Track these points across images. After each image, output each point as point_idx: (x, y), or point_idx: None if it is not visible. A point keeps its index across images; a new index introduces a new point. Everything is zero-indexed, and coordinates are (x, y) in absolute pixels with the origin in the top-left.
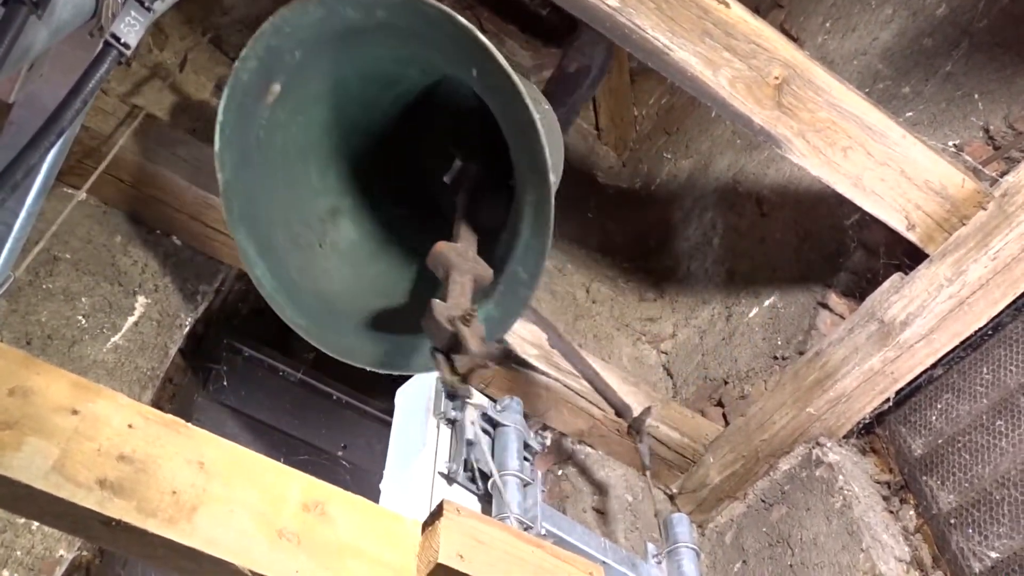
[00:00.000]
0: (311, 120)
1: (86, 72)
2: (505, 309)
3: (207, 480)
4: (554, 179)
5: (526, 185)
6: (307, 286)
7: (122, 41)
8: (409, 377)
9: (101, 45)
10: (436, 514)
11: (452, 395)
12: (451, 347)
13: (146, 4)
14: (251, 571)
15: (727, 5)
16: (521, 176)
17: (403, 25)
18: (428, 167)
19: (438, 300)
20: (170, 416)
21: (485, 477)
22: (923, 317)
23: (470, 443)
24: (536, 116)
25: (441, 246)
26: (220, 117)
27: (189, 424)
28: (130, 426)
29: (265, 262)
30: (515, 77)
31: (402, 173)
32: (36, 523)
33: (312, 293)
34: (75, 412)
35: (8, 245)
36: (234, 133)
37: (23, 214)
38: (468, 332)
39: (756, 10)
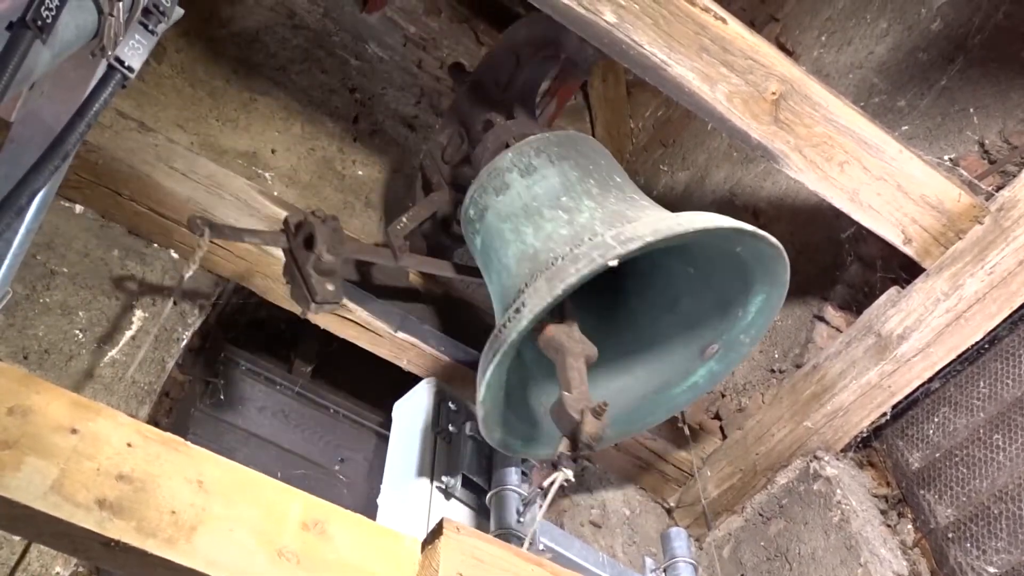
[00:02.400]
0: None
1: (90, 95)
2: (727, 363)
3: (207, 499)
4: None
5: (759, 288)
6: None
7: (126, 64)
8: (406, 391)
9: (105, 68)
10: (436, 532)
11: (555, 464)
12: (575, 432)
13: (150, 28)
14: None
15: (724, 21)
16: (757, 281)
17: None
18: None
19: (567, 394)
20: (169, 434)
21: (483, 492)
22: (920, 331)
23: (467, 458)
24: (787, 262)
25: (551, 329)
26: (482, 397)
27: (188, 442)
28: (129, 445)
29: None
30: (781, 248)
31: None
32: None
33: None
34: (74, 431)
35: (7, 261)
36: (494, 392)
37: (22, 231)
38: (592, 423)
39: (752, 23)
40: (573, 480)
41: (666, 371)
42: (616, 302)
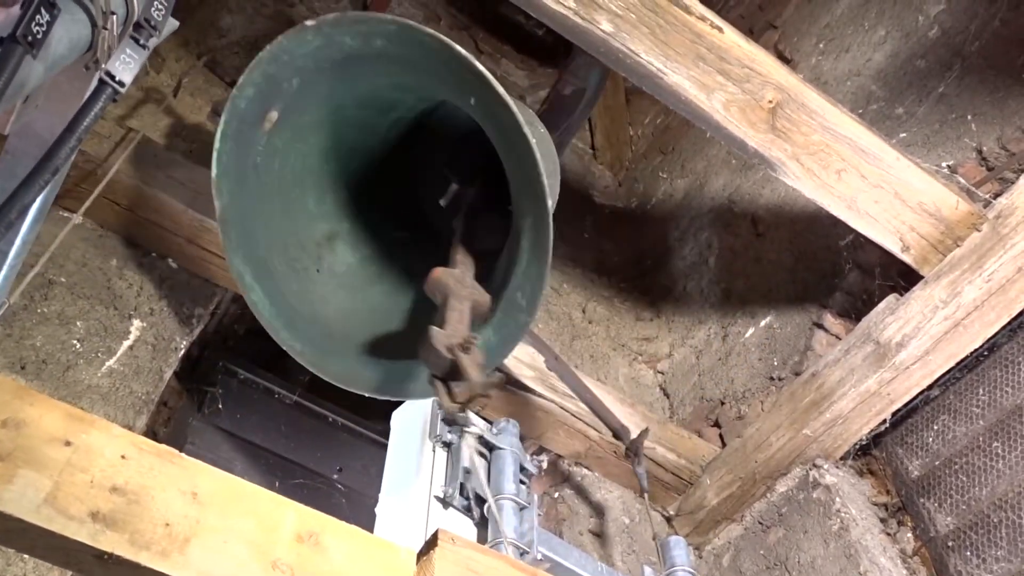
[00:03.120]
0: (308, 146)
1: (81, 110)
2: (504, 335)
3: (201, 511)
4: (551, 203)
5: (523, 210)
6: (304, 311)
7: (117, 79)
8: (403, 401)
9: (96, 82)
10: (431, 543)
11: (450, 422)
12: (450, 375)
13: (141, 42)
14: None
15: (720, 30)
16: (518, 202)
17: (401, 53)
18: (425, 191)
19: (436, 328)
20: (164, 446)
21: (481, 501)
22: (919, 338)
23: (466, 469)
24: (532, 141)
25: (438, 272)
26: (217, 144)
27: (183, 454)
28: (123, 457)
29: (262, 287)
30: (512, 104)
31: (400, 198)
32: None
33: (309, 318)
34: (68, 443)
35: (3, 272)
36: (231, 160)
37: (18, 242)
38: (467, 360)
39: (750, 30)
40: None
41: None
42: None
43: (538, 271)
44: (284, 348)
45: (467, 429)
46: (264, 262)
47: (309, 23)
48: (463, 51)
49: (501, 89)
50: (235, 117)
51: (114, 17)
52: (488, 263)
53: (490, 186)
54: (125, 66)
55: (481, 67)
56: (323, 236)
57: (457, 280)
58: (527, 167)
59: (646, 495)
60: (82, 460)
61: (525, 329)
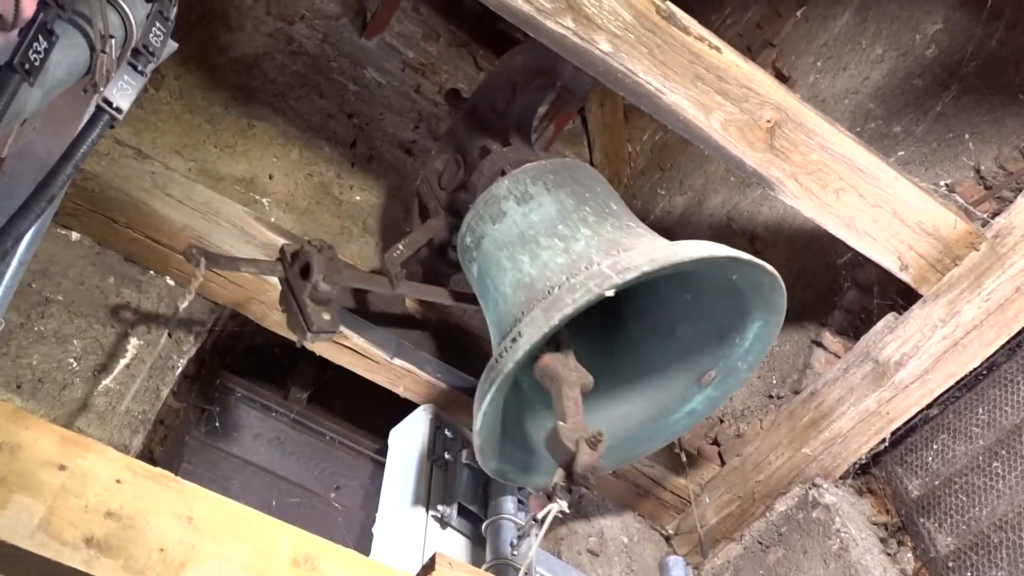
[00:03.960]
0: None
1: (78, 138)
2: (724, 390)
3: (196, 536)
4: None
5: (756, 315)
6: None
7: (114, 105)
8: (403, 418)
9: (94, 108)
10: (428, 567)
11: (549, 496)
12: (570, 463)
13: (139, 68)
14: None
15: (718, 50)
16: (754, 308)
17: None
18: None
19: (561, 423)
20: (159, 470)
21: (479, 521)
22: (917, 358)
23: (464, 486)
24: (783, 289)
25: (546, 359)
26: (479, 426)
27: (178, 478)
28: (118, 481)
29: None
30: (778, 276)
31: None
32: None
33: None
34: (63, 468)
35: (0, 293)
36: (490, 420)
37: (15, 263)
38: (588, 454)
39: (748, 48)
40: (568, 511)
41: (664, 398)
42: (613, 329)
43: (762, 349)
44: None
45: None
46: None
47: (610, 293)
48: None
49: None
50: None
51: (113, 40)
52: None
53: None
54: (123, 92)
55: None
56: None
57: (563, 364)
58: (775, 300)
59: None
60: (77, 484)
61: (744, 382)
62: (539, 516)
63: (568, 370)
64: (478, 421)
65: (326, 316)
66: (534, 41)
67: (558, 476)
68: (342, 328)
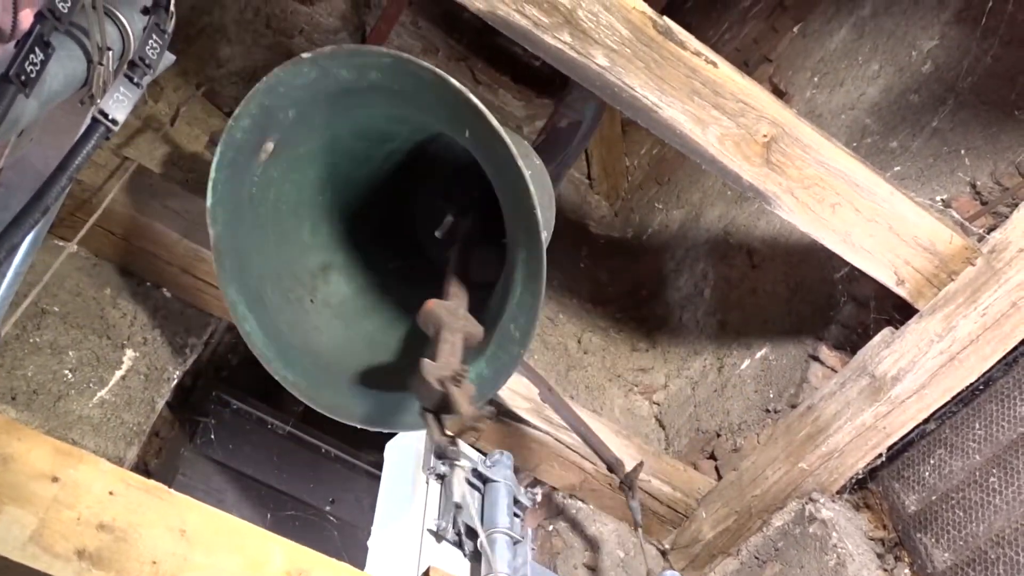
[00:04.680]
0: (304, 177)
1: (72, 149)
2: (497, 367)
3: (188, 548)
4: (545, 236)
5: (518, 242)
6: (297, 341)
7: (110, 117)
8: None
9: (89, 120)
10: None
11: (441, 455)
12: (441, 407)
13: (136, 81)
14: None
15: (715, 65)
16: (513, 233)
17: (396, 86)
18: (421, 223)
19: (428, 360)
20: (152, 482)
21: (474, 534)
22: (914, 372)
23: (457, 504)
24: (527, 174)
25: (431, 304)
26: (213, 174)
27: (171, 490)
28: (111, 493)
29: (255, 317)
30: (506, 136)
31: (395, 229)
32: None
33: (302, 348)
34: (55, 479)
35: None
36: (227, 189)
37: (10, 274)
38: (458, 393)
39: (745, 63)
40: (457, 455)
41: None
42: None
43: (532, 302)
44: (277, 378)
45: (457, 463)
46: (258, 292)
47: (305, 55)
48: (458, 83)
49: (495, 121)
50: (231, 147)
51: (110, 53)
52: (483, 295)
53: (486, 218)
54: (119, 104)
55: (475, 99)
56: (318, 267)
57: (450, 312)
58: (521, 199)
59: (640, 529)
60: (69, 496)
61: (518, 360)
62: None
63: (454, 318)
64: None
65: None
66: None
67: (435, 430)
68: None
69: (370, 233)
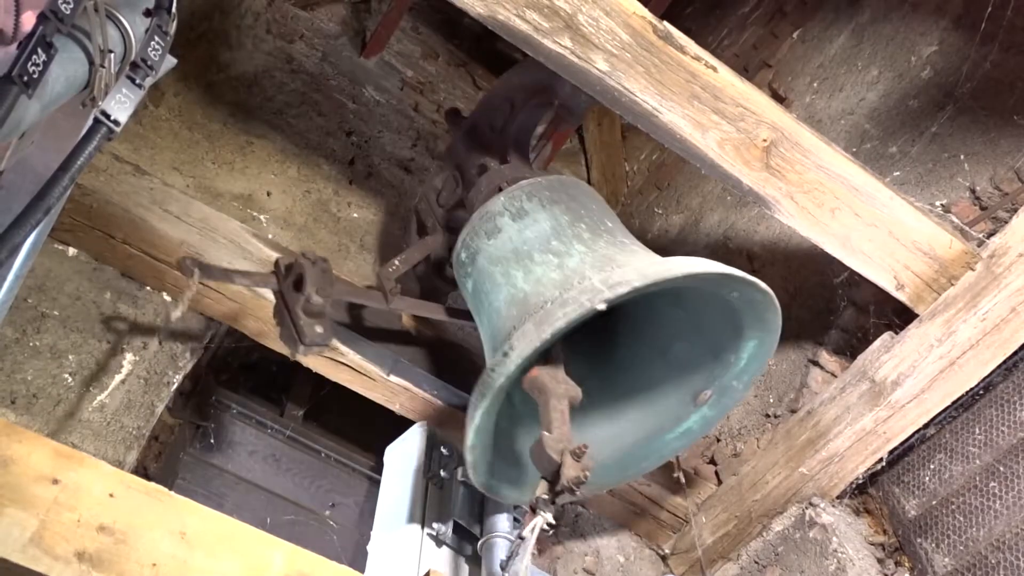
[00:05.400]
0: None
1: (75, 149)
2: (719, 409)
3: (188, 551)
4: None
5: (751, 334)
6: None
7: (112, 118)
8: (398, 435)
9: (91, 121)
10: None
11: (533, 508)
12: (557, 478)
13: (137, 82)
14: None
15: (715, 69)
16: (748, 327)
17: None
18: None
19: (547, 433)
20: (152, 484)
21: (474, 539)
22: (914, 377)
23: (459, 504)
24: (778, 308)
25: (535, 372)
26: (470, 441)
27: (172, 492)
28: (111, 495)
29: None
30: (772, 294)
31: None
32: None
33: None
34: (56, 481)
35: None
36: (482, 435)
37: (11, 277)
38: (573, 464)
39: (744, 69)
40: (554, 524)
41: (659, 417)
42: (609, 347)
43: (757, 369)
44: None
45: (542, 515)
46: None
47: (601, 307)
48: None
49: (769, 290)
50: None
51: (112, 55)
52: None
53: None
54: (121, 105)
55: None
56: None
57: (551, 376)
58: (770, 318)
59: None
60: (69, 498)
61: (740, 401)
62: (523, 532)
63: (556, 383)
64: (470, 437)
65: (319, 329)
66: (532, 60)
67: (541, 488)
68: (338, 344)
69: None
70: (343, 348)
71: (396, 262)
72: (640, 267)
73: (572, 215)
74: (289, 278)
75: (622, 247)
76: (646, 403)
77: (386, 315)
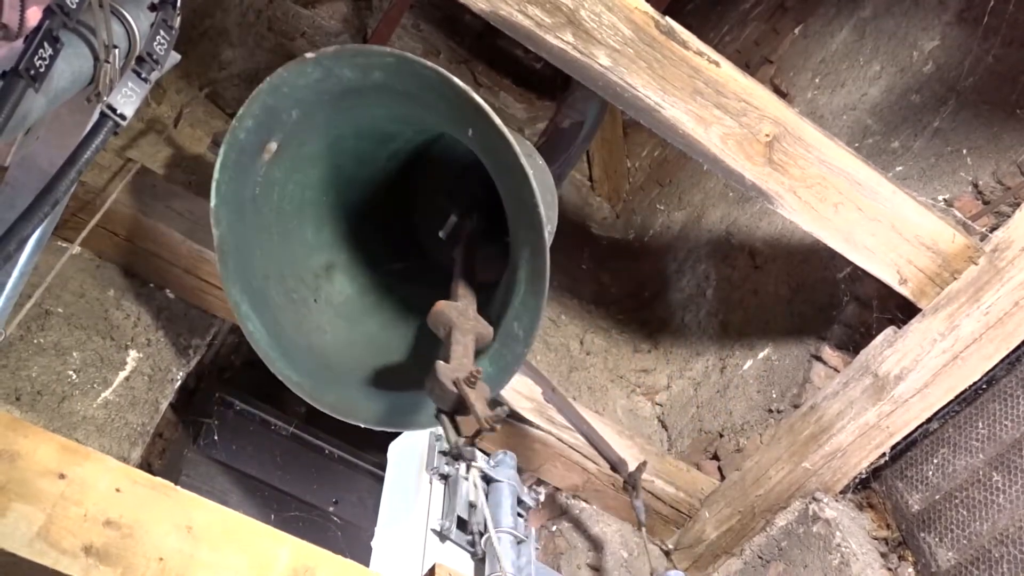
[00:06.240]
0: (307, 177)
1: (82, 143)
2: (501, 366)
3: (195, 545)
4: (548, 233)
5: (520, 241)
6: (302, 341)
7: (118, 112)
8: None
9: (98, 115)
10: None
11: (456, 456)
12: (456, 409)
13: (143, 76)
14: None
15: (717, 64)
16: (515, 233)
17: (400, 86)
18: (424, 223)
19: (442, 362)
20: (158, 479)
21: (479, 534)
22: (917, 371)
23: (463, 501)
24: (530, 172)
25: (441, 305)
26: (216, 174)
27: (177, 487)
28: (117, 490)
29: (259, 317)
30: (509, 135)
31: (399, 229)
32: None
33: (307, 348)
34: (62, 476)
35: (0, 303)
36: (230, 190)
37: (16, 273)
38: (474, 394)
39: (746, 65)
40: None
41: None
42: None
43: (535, 302)
44: (280, 378)
45: (474, 463)
46: (262, 292)
47: (309, 55)
48: (461, 83)
49: (499, 120)
50: (234, 148)
51: (116, 51)
52: (486, 294)
53: (490, 218)
54: (126, 99)
55: (479, 99)
56: (321, 267)
57: (460, 313)
58: (524, 198)
59: (643, 529)
60: (76, 493)
61: (522, 359)
62: (473, 500)
63: (464, 318)
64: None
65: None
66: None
67: (451, 432)
68: None
69: (373, 233)
70: None
71: None
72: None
73: None
74: None
75: None
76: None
77: None
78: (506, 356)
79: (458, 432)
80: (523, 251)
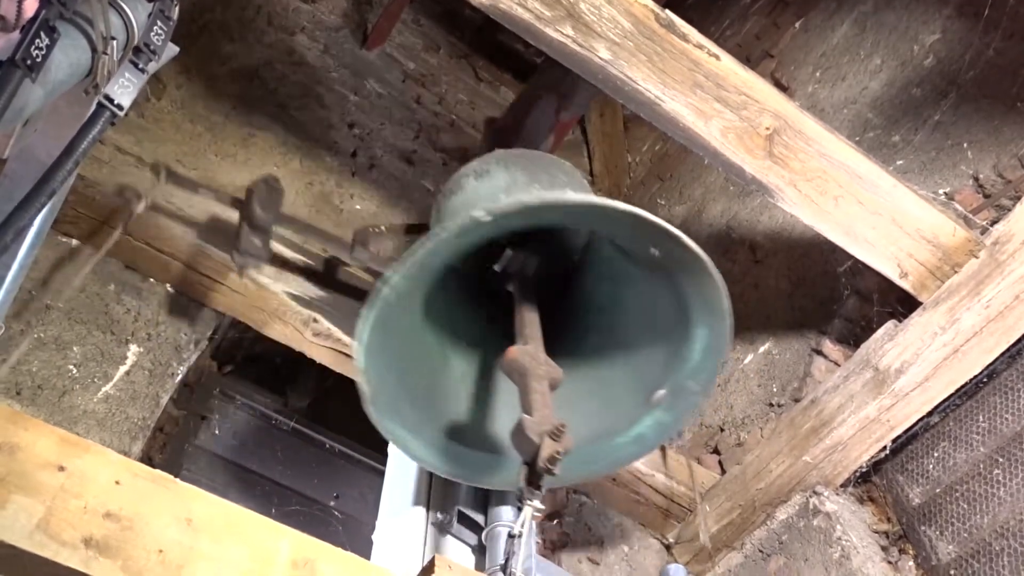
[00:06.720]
0: (426, 297)
1: (79, 133)
2: (676, 413)
3: (195, 537)
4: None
5: (699, 320)
6: (446, 435)
7: (116, 102)
8: None
9: (95, 106)
10: (428, 570)
11: (519, 499)
12: (535, 459)
13: (140, 66)
14: None
15: (717, 57)
16: (694, 313)
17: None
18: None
19: (527, 416)
20: (159, 472)
21: (478, 528)
22: (918, 365)
23: (463, 494)
24: (724, 291)
25: (513, 352)
26: (365, 338)
27: (177, 480)
28: (117, 482)
29: (417, 438)
30: (708, 261)
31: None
32: None
33: (449, 439)
34: (62, 468)
35: (0, 296)
36: (375, 346)
37: (15, 266)
38: (561, 447)
39: (747, 59)
40: (543, 509)
41: (612, 415)
42: (572, 334)
43: (712, 366)
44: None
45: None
46: (411, 416)
47: (484, 218)
48: (670, 227)
49: (695, 246)
50: (384, 310)
51: (114, 42)
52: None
53: (541, 241)
54: (124, 90)
55: (673, 230)
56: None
57: (532, 357)
58: (713, 295)
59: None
60: (76, 485)
61: (696, 407)
62: (515, 529)
63: (537, 363)
64: (360, 356)
65: (256, 242)
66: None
67: (522, 475)
68: (342, 336)
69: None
70: (347, 339)
71: (381, 227)
72: (542, 194)
73: (529, 176)
74: (248, 200)
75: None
76: (600, 399)
77: None
78: (681, 405)
79: (537, 484)
80: (701, 329)
